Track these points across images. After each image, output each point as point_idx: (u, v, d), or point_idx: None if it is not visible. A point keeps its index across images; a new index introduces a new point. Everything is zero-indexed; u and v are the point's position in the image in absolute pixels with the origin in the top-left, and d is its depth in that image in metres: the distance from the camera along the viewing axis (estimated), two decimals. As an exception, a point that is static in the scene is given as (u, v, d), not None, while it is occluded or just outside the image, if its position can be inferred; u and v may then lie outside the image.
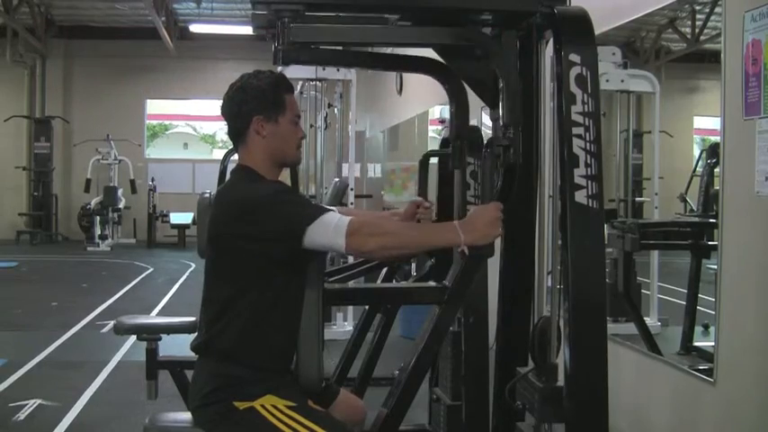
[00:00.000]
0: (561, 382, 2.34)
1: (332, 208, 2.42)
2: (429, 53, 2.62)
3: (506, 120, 2.32)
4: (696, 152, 5.64)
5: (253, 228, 2.25)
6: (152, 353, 3.23)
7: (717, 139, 3.62)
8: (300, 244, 2.19)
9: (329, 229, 2.17)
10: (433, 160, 4.01)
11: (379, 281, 4.25)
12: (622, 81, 5.23)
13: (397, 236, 2.29)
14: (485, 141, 2.95)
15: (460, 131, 2.91)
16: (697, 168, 4.99)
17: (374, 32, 2.53)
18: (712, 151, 4.41)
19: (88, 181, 16.72)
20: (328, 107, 7.91)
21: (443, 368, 3.31)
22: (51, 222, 17.54)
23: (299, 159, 2.55)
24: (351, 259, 4.18)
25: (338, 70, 7.40)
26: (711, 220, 4.10)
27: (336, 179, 6.93)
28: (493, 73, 2.49)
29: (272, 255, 2.27)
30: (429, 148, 10.08)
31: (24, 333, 7.52)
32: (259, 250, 2.26)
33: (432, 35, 2.49)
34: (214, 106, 2.80)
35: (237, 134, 2.43)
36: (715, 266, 3.53)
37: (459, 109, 2.87)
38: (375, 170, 13.90)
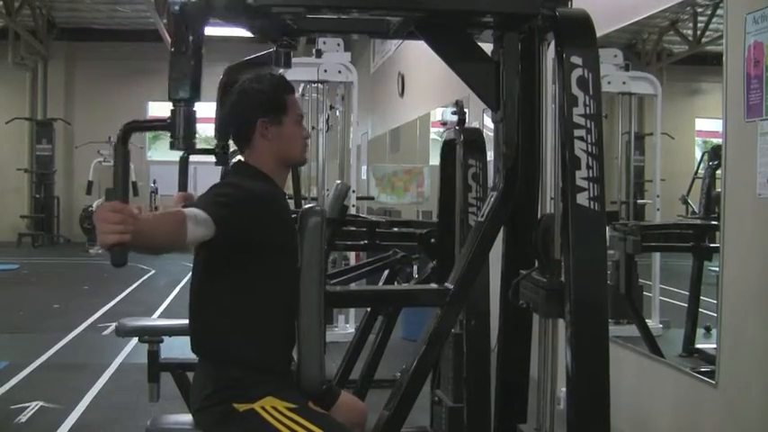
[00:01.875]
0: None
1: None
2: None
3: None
4: (698, 154, 5.63)
5: None
6: (153, 355, 3.23)
7: (718, 141, 3.62)
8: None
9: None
10: (435, 161, 4.01)
11: (380, 283, 4.24)
12: (624, 83, 5.23)
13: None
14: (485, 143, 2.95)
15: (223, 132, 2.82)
16: (699, 170, 4.99)
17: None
18: (714, 153, 4.40)
19: (90, 183, 16.71)
20: (330, 109, 7.91)
21: (445, 370, 3.31)
22: (53, 224, 17.55)
23: (305, 159, 2.57)
24: (352, 261, 4.18)
25: (340, 72, 7.40)
26: (713, 223, 4.09)
27: (338, 181, 6.93)
28: (494, 74, 2.49)
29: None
30: (431, 151, 10.10)
31: (26, 335, 7.52)
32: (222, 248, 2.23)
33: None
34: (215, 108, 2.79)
35: (242, 138, 2.44)
36: (717, 268, 3.53)
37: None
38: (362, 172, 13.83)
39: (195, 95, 2.06)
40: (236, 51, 16.31)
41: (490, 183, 2.90)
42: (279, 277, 2.33)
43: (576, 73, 2.22)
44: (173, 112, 2.08)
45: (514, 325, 2.71)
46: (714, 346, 3.56)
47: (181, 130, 2.08)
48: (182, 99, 2.04)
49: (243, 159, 2.46)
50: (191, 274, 2.43)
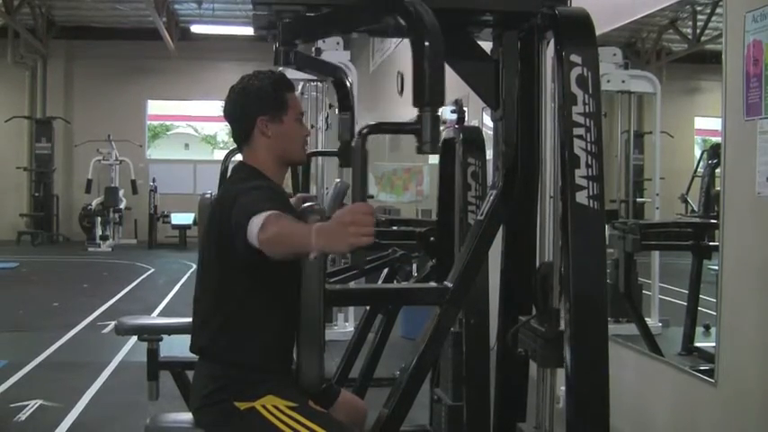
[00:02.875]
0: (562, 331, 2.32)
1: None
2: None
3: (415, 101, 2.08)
4: (697, 153, 5.64)
5: (225, 224, 2.20)
6: (153, 353, 3.23)
7: (718, 139, 3.62)
8: (246, 238, 2.03)
9: (257, 224, 1.99)
10: (434, 160, 4.01)
11: (380, 281, 4.25)
12: (623, 82, 5.23)
13: (278, 233, 1.96)
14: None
15: (347, 132, 2.77)
16: (698, 169, 4.99)
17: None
18: (713, 152, 4.41)
19: (89, 181, 16.72)
20: (329, 108, 7.92)
21: (444, 369, 3.30)
22: (52, 223, 17.54)
23: (305, 157, 2.56)
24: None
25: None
26: (712, 221, 4.10)
27: (338, 180, 6.93)
28: (494, 73, 2.49)
29: (236, 251, 2.14)
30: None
31: (25, 334, 7.52)
32: (229, 247, 2.19)
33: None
34: (215, 107, 2.79)
35: (242, 136, 2.43)
36: (716, 267, 3.53)
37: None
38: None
39: (441, 101, 2.08)
40: (239, 50, 16.27)
41: (489, 181, 2.90)
42: (282, 276, 2.33)
43: (576, 71, 2.22)
44: (420, 117, 2.10)
45: (514, 324, 2.71)
46: (713, 344, 3.56)
47: (428, 134, 2.10)
48: (428, 104, 2.05)
49: (242, 160, 2.46)
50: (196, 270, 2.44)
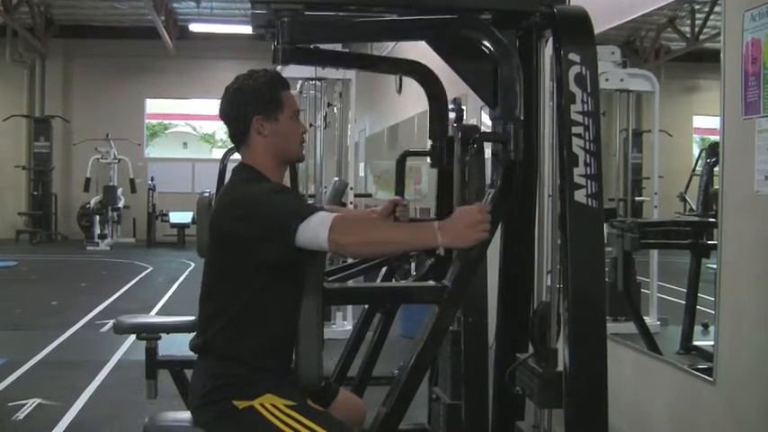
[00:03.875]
0: (560, 368, 2.33)
1: (325, 208, 2.41)
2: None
3: (502, 113, 2.27)
4: (695, 151, 5.64)
5: (248, 227, 2.25)
6: (151, 352, 3.23)
7: (716, 138, 3.62)
8: (293, 241, 2.16)
9: (317, 227, 2.14)
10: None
11: (378, 280, 4.24)
12: (622, 80, 5.23)
13: (378, 234, 2.26)
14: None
15: (438, 131, 2.97)
16: (696, 167, 4.98)
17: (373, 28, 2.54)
18: (712, 150, 4.40)
19: (88, 180, 16.72)
20: (328, 106, 7.92)
21: (443, 367, 3.30)
22: (51, 222, 17.55)
23: (303, 155, 2.56)
24: (350, 258, 4.17)
25: (337, 69, 7.40)
26: (711, 220, 4.09)
27: (336, 178, 6.93)
28: (492, 70, 2.49)
29: (267, 253, 2.25)
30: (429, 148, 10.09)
31: (24, 332, 7.53)
32: (255, 250, 2.26)
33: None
34: (214, 106, 2.75)
35: (239, 136, 2.42)
36: (715, 266, 3.53)
37: (437, 108, 2.93)
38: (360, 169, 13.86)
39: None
40: (238, 49, 16.25)
41: (488, 180, 2.90)
42: (283, 275, 2.33)
43: (574, 70, 2.22)
44: (506, 126, 2.24)
45: (512, 323, 2.71)
46: (712, 343, 3.56)
47: (514, 143, 2.24)
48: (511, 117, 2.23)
49: (241, 161, 2.45)
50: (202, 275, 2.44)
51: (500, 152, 2.36)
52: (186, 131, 20.55)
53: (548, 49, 2.39)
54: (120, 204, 16.91)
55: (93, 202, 16.51)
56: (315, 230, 2.13)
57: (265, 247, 2.23)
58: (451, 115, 3.35)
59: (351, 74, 7.58)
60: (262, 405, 2.27)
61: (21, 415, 4.81)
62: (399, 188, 3.88)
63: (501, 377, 2.72)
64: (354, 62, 4.28)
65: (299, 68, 7.04)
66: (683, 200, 5.10)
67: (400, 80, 11.46)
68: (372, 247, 2.29)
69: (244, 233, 2.26)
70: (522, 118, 2.24)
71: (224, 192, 2.46)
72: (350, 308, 7.46)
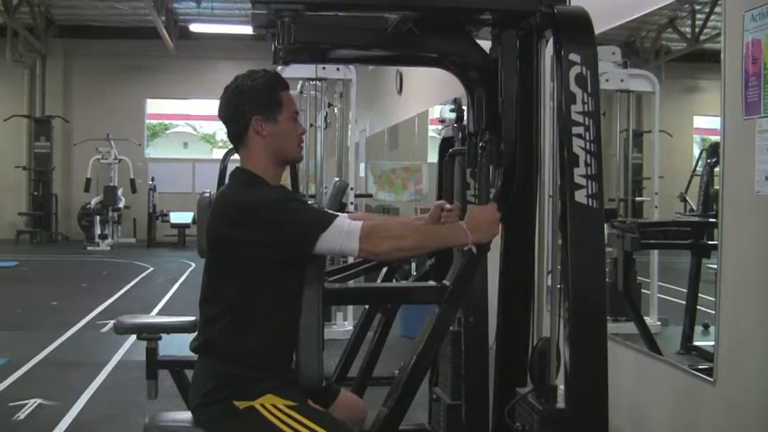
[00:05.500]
0: (561, 404, 2.33)
1: (339, 213, 2.41)
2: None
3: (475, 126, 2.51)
4: (696, 151, 5.64)
5: (257, 232, 2.26)
6: (152, 352, 3.23)
7: (717, 138, 3.62)
8: (312, 249, 2.24)
9: (341, 235, 2.23)
10: (433, 159, 4.01)
11: (378, 280, 4.24)
12: (622, 80, 5.23)
13: (410, 238, 2.36)
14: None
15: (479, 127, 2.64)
16: (697, 168, 4.98)
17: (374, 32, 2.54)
18: (712, 151, 4.40)
19: (88, 180, 16.72)
20: (328, 107, 7.91)
21: (443, 368, 3.31)
22: (51, 222, 17.55)
23: (301, 156, 2.55)
24: (350, 259, 4.18)
25: (338, 69, 7.40)
26: (711, 220, 4.09)
27: (336, 179, 6.93)
28: (493, 71, 2.49)
29: (279, 259, 2.29)
30: (429, 148, 10.10)
31: (24, 332, 7.52)
32: (263, 254, 2.27)
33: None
34: (214, 106, 2.72)
35: (237, 137, 2.42)
36: (715, 266, 3.53)
37: (478, 102, 2.59)
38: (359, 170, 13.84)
39: None
40: (238, 49, 16.26)
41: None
42: (284, 276, 2.33)
43: (575, 70, 2.22)
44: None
45: (513, 322, 2.71)
46: (712, 343, 3.56)
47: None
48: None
49: (240, 165, 2.45)
50: (202, 276, 2.44)
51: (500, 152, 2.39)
52: (187, 132, 20.54)
53: (548, 50, 2.39)
54: (121, 204, 16.90)
55: (93, 202, 16.50)
56: (340, 240, 2.23)
57: (281, 252, 2.28)
58: (451, 115, 3.35)
59: (351, 74, 7.58)
60: (262, 405, 2.27)
61: (21, 415, 4.81)
62: (447, 192, 3.53)
63: (499, 377, 2.72)
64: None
65: (300, 68, 7.03)
66: (684, 200, 5.10)
67: (401, 80, 11.47)
68: (406, 252, 2.43)
69: (253, 238, 2.26)
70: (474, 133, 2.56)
71: (224, 195, 2.45)
72: (350, 308, 7.46)
